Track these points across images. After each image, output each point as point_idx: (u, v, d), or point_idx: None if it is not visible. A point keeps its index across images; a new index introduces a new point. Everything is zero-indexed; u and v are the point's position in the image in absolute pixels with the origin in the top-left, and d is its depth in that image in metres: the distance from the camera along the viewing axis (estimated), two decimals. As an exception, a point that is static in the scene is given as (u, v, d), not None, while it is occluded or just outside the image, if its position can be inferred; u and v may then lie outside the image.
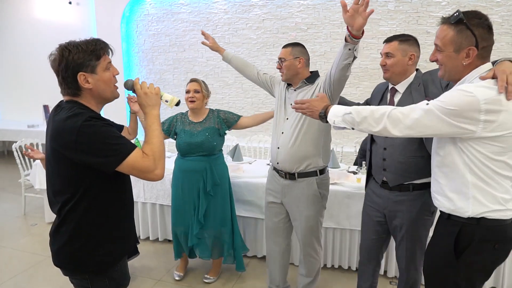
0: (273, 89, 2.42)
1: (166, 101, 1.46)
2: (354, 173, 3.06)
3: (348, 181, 2.84)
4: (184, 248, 2.78)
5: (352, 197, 2.72)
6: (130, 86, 1.41)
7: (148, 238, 3.50)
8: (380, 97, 2.04)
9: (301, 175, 2.20)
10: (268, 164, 3.33)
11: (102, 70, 1.33)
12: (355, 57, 1.84)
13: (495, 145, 1.30)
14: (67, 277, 1.46)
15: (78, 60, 1.27)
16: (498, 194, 1.36)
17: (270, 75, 2.48)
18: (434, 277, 1.52)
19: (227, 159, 3.61)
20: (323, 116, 1.59)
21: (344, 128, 1.54)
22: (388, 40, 1.93)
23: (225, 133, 2.71)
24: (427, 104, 1.35)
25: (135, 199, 3.38)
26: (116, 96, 1.41)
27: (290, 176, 2.21)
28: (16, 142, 4.14)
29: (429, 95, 1.81)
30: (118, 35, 5.42)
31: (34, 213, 4.17)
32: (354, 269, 2.88)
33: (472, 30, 1.32)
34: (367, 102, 2.19)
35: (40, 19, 6.08)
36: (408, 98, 1.86)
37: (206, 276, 2.85)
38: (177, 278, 2.87)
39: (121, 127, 2.52)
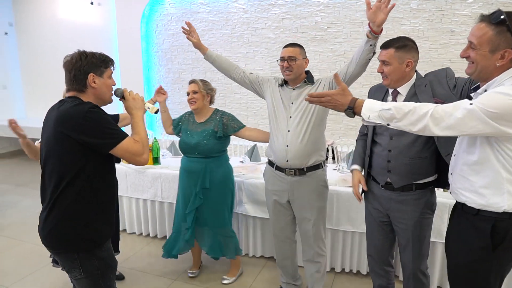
0: (262, 89, 2.40)
1: (148, 108, 1.81)
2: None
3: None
4: (180, 247, 2.78)
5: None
6: (120, 93, 1.68)
7: (165, 237, 3.51)
8: (380, 99, 1.99)
9: (309, 169, 2.26)
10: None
11: (107, 76, 1.63)
12: (374, 53, 1.99)
13: None
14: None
15: (92, 64, 1.57)
16: None
17: (257, 75, 2.45)
18: (463, 274, 1.53)
19: (245, 159, 3.60)
20: (351, 111, 1.50)
21: (377, 123, 1.48)
22: (385, 47, 1.87)
23: (222, 137, 2.63)
24: (471, 104, 1.31)
25: (152, 198, 3.41)
26: (110, 101, 1.69)
27: (300, 171, 2.24)
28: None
29: (436, 96, 1.80)
30: (138, 35, 5.47)
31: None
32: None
33: None
34: None
35: (63, 19, 6.20)
36: (413, 99, 1.82)
37: (224, 277, 2.85)
38: (191, 275, 2.89)
39: (116, 116, 2.67)
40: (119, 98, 1.70)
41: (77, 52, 1.59)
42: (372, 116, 1.45)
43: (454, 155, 1.58)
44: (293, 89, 2.27)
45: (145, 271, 3.01)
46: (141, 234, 3.60)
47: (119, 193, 3.55)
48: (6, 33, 6.71)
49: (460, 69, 4.42)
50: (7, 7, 6.70)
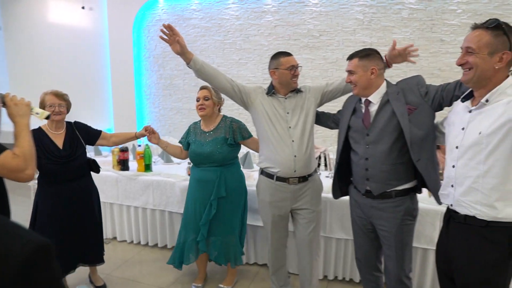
0: (250, 99, 2.30)
1: (37, 113, 1.66)
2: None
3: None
4: (185, 259, 2.71)
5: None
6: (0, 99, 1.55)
7: (156, 245, 3.47)
8: (352, 108, 2.08)
9: (310, 175, 2.31)
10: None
11: None
12: None
13: None
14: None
15: None
16: None
17: (242, 84, 2.32)
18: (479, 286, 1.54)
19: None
20: None
21: None
22: (349, 58, 2.00)
23: (233, 144, 2.59)
24: None
25: (143, 206, 3.37)
26: None
27: (303, 179, 2.28)
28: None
29: (409, 103, 1.86)
30: (130, 40, 5.43)
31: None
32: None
33: (508, 35, 1.39)
34: (340, 113, 2.26)
35: (53, 23, 6.13)
36: (386, 107, 1.91)
37: (220, 285, 2.80)
38: None
39: (98, 132, 2.69)
40: (1, 104, 1.53)
41: None
42: None
43: (453, 167, 1.58)
44: (285, 98, 2.27)
45: (136, 280, 2.96)
46: (132, 242, 3.55)
47: (110, 201, 3.52)
48: (-6, 37, 6.61)
49: (450, 77, 4.50)
50: (-5, 10, 6.61)
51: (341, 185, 2.21)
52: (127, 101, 5.56)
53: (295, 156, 2.20)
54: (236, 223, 2.67)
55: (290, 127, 2.23)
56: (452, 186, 1.58)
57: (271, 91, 2.29)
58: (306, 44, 4.75)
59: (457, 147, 1.55)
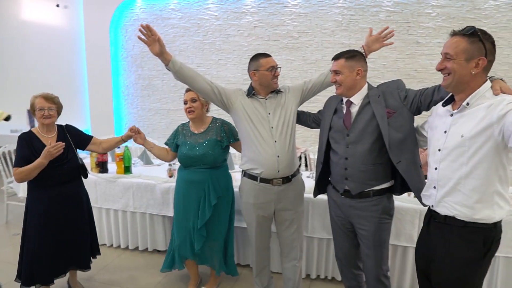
0: (230, 101, 2.28)
1: None
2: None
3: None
4: (178, 263, 2.68)
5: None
6: None
7: (137, 248, 3.42)
8: (333, 109, 2.11)
9: (293, 176, 2.31)
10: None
11: None
12: None
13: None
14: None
15: None
16: (507, 196, 1.51)
17: (222, 87, 2.29)
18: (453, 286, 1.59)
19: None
20: None
21: None
22: (335, 58, 2.02)
23: (227, 146, 2.59)
24: None
25: (123, 209, 3.31)
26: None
27: (287, 180, 2.28)
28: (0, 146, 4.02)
29: (389, 107, 1.91)
30: (107, 39, 5.33)
31: (16, 221, 4.04)
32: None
33: (484, 42, 1.44)
34: (320, 113, 2.30)
35: (26, 21, 5.94)
36: (367, 109, 1.96)
37: None
38: None
39: (89, 138, 2.67)
40: None
41: None
42: None
43: (435, 169, 1.61)
44: (266, 99, 2.29)
45: (117, 284, 2.90)
46: (112, 245, 3.48)
47: (89, 204, 3.43)
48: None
49: (426, 78, 4.60)
50: (-36, 7, 6.35)
51: (319, 184, 2.25)
52: (104, 101, 5.46)
53: (278, 156, 2.21)
54: (223, 228, 2.62)
55: (272, 127, 2.23)
56: (434, 187, 1.62)
57: (251, 92, 2.29)
58: (285, 45, 4.78)
59: (439, 150, 1.58)
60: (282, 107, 2.28)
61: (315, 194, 2.31)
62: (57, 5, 5.57)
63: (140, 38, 2.03)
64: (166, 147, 2.76)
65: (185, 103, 2.54)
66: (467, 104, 1.49)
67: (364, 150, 1.95)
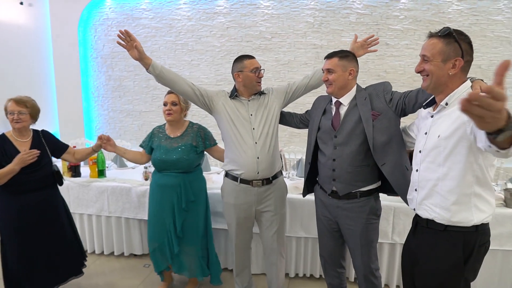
0: (212, 103, 2.31)
1: None
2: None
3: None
4: (161, 265, 2.67)
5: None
6: None
7: (112, 253, 3.35)
8: (322, 109, 2.12)
9: (274, 178, 2.33)
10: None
11: None
12: None
13: None
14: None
15: None
16: (490, 199, 1.48)
17: (204, 88, 2.33)
18: None
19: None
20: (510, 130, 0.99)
21: (500, 149, 1.10)
22: (329, 57, 2.01)
23: (202, 151, 2.61)
24: None
25: (98, 213, 3.24)
26: None
27: (267, 181, 2.29)
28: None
29: (374, 109, 1.93)
30: (76, 39, 5.17)
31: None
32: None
33: (459, 43, 1.44)
34: (309, 113, 2.31)
35: (-14, 20, 5.68)
36: (354, 110, 1.97)
37: None
38: None
39: (65, 146, 2.60)
40: None
41: None
42: None
43: (416, 171, 1.62)
44: (249, 101, 2.30)
45: (93, 291, 2.85)
46: (86, 251, 3.39)
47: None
48: None
49: (395, 79, 4.75)
50: None
51: (308, 184, 2.26)
52: (73, 103, 5.30)
53: (257, 157, 2.22)
54: (199, 232, 2.61)
55: (253, 129, 2.25)
56: (416, 190, 1.62)
57: (234, 94, 2.30)
58: (258, 46, 4.81)
59: (420, 151, 1.59)
60: (265, 109, 2.29)
61: (304, 194, 2.31)
62: (21, 3, 5.34)
63: (119, 43, 2.06)
64: (141, 149, 2.72)
65: (165, 104, 2.52)
66: (446, 104, 1.49)
67: (351, 152, 1.96)
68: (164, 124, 2.65)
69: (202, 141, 2.57)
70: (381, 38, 4.47)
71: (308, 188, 2.28)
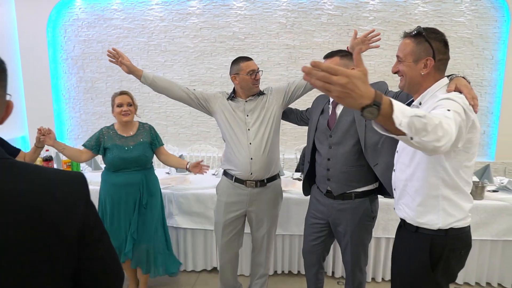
0: (209, 105, 2.35)
1: None
2: (299, 179, 3.18)
3: (295, 188, 2.92)
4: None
5: (300, 204, 2.80)
6: None
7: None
8: (321, 109, 2.12)
9: (269, 180, 2.31)
10: (214, 175, 3.33)
11: None
12: None
13: (467, 152, 1.38)
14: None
15: None
16: (463, 203, 1.43)
17: (201, 91, 2.38)
18: None
19: (171, 170, 3.54)
20: (377, 108, 0.94)
21: (400, 135, 1.05)
22: (329, 56, 1.99)
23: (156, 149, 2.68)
24: (448, 110, 1.21)
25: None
26: None
27: (261, 183, 2.28)
28: None
29: None
30: (44, 40, 5.05)
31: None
32: (304, 273, 2.99)
33: (430, 42, 1.42)
34: (309, 112, 2.29)
35: None
36: (349, 110, 1.96)
37: None
38: None
39: (17, 151, 2.50)
40: None
41: None
42: (404, 122, 1.00)
43: (394, 170, 1.62)
44: (246, 101, 2.29)
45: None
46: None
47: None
48: None
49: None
50: None
51: (308, 183, 2.26)
52: (43, 106, 5.17)
53: (251, 158, 2.22)
54: (160, 226, 2.67)
55: (249, 130, 2.25)
56: (394, 190, 1.63)
57: (231, 95, 2.32)
58: (231, 47, 4.84)
59: (397, 152, 1.59)
60: (262, 109, 2.28)
61: (305, 193, 2.30)
62: (-15, 3, 5.17)
63: (110, 60, 2.23)
64: (82, 148, 2.66)
65: (120, 105, 2.52)
66: (420, 104, 1.47)
67: (346, 152, 1.95)
68: (113, 124, 2.66)
69: (157, 139, 2.66)
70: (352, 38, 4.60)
71: (306, 188, 2.28)
